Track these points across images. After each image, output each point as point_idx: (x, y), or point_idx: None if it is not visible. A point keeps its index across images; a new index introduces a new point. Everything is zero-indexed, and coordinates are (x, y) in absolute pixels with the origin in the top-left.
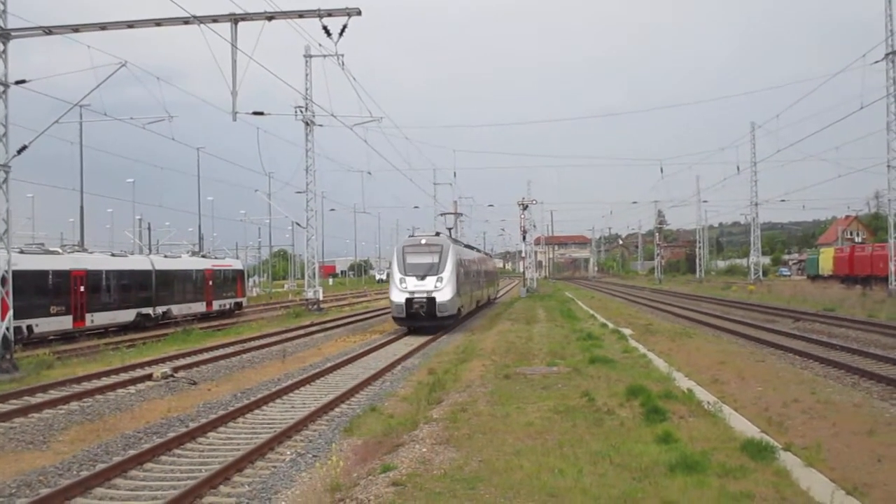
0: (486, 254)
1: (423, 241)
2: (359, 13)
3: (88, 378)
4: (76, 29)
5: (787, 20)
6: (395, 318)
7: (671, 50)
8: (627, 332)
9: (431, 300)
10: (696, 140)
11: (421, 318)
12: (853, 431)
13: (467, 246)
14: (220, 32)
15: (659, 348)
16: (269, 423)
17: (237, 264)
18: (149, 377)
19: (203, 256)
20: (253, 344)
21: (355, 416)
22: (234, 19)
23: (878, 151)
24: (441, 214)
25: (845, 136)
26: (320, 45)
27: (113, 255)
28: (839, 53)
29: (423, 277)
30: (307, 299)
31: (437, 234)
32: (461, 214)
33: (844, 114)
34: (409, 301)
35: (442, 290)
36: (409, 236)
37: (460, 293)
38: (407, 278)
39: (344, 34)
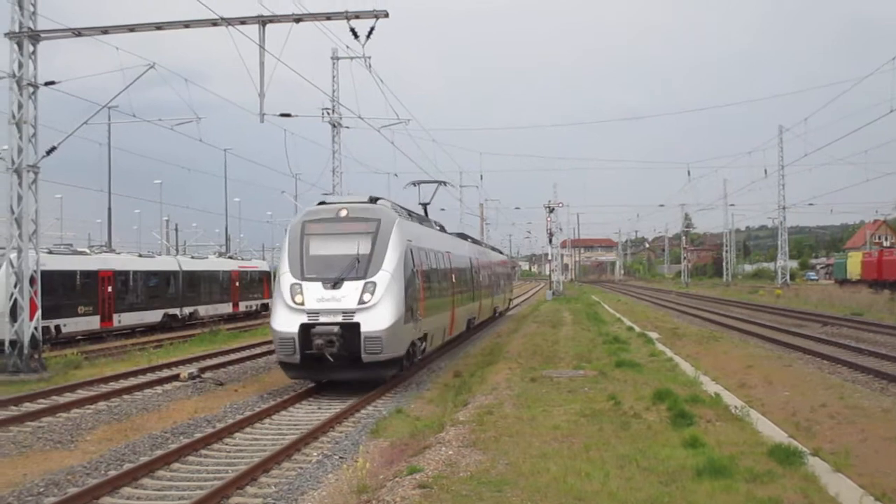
0: (494, 248)
1: (343, 213)
2: (386, 15)
3: (116, 378)
4: (105, 31)
5: (795, 17)
6: (282, 365)
7: (690, 50)
8: (654, 335)
9: (351, 329)
10: (724, 143)
11: (331, 367)
12: (882, 437)
13: (460, 235)
14: (248, 34)
15: (686, 352)
16: (295, 425)
17: (263, 265)
18: (176, 378)
19: (230, 257)
20: None
21: (381, 417)
22: (262, 21)
23: None
24: (413, 184)
25: (874, 139)
26: (347, 47)
27: (140, 255)
28: (860, 50)
29: (335, 284)
30: None
31: (374, 199)
32: (444, 183)
33: (873, 117)
34: (305, 330)
35: (373, 307)
36: (318, 203)
37: (414, 313)
38: (305, 285)
39: (371, 36)
